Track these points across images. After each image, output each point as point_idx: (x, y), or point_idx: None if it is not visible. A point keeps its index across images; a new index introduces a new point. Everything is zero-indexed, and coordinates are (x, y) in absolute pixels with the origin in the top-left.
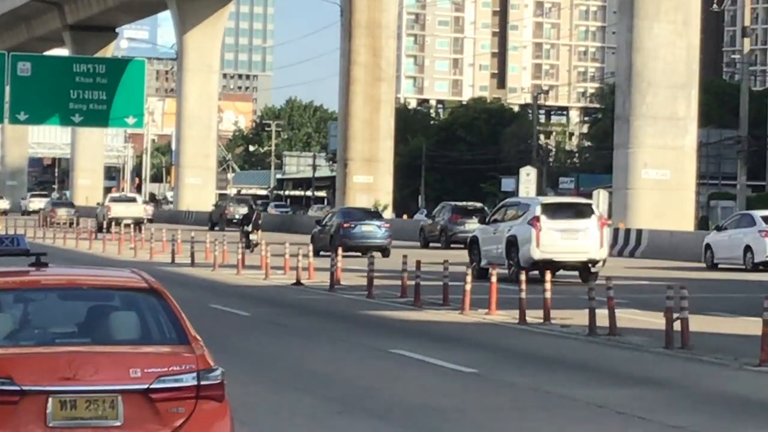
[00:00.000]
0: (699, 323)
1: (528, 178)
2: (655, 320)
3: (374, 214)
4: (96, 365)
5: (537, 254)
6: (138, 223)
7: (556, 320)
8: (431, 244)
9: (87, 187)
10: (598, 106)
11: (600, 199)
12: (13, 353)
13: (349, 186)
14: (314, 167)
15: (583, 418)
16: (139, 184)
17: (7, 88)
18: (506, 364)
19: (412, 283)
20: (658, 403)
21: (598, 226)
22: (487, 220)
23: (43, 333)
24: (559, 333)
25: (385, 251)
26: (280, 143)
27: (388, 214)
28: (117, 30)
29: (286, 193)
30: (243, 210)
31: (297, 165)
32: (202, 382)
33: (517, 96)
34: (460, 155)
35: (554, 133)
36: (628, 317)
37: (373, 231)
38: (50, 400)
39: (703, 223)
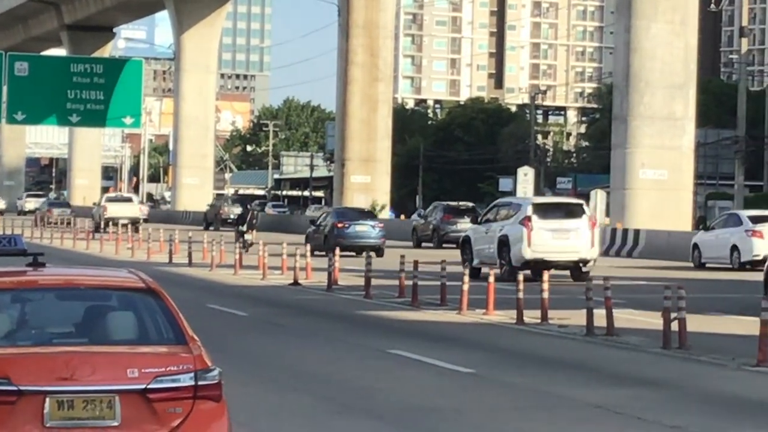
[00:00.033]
0: (696, 323)
1: (525, 178)
2: (653, 320)
3: (368, 214)
4: (93, 365)
5: (528, 254)
6: (134, 222)
7: (553, 320)
8: (423, 244)
9: (84, 187)
10: (595, 106)
11: (597, 200)
12: (10, 353)
13: (347, 186)
14: (312, 167)
15: (581, 418)
16: (137, 183)
17: (5, 88)
18: (504, 364)
19: (410, 283)
20: (655, 404)
21: (589, 226)
22: (479, 220)
23: (41, 333)
24: (557, 333)
25: (379, 251)
26: (277, 143)
27: (386, 214)
28: (114, 30)
29: (284, 193)
30: (238, 210)
31: (294, 165)
32: (200, 382)
33: (515, 96)
34: (457, 155)
35: (552, 133)
36: (626, 317)
37: (367, 231)
38: (47, 400)
39: (700, 224)
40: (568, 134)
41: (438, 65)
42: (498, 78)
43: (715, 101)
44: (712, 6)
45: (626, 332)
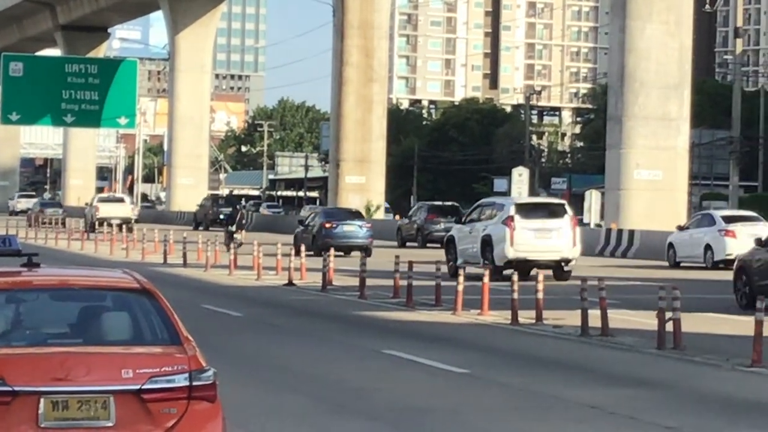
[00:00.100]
0: (691, 324)
1: (520, 178)
2: (648, 320)
3: (356, 214)
4: (88, 366)
5: (511, 253)
6: (126, 223)
7: (548, 321)
8: (408, 244)
9: (79, 188)
10: (590, 106)
11: (592, 200)
12: (5, 354)
13: (342, 186)
14: (306, 168)
15: (575, 418)
16: (131, 183)
17: None
18: (499, 364)
19: (404, 283)
20: (650, 404)
21: (571, 226)
22: (463, 219)
23: (35, 333)
24: (552, 333)
25: (366, 251)
26: (272, 144)
27: (381, 214)
28: (109, 30)
29: (279, 193)
30: (227, 210)
31: (289, 165)
32: (195, 383)
33: (510, 96)
34: (452, 156)
35: (546, 134)
36: (621, 318)
37: (355, 231)
38: (42, 400)
39: None
40: (563, 135)
41: (433, 66)
42: (493, 78)
43: (710, 102)
44: (707, 6)
45: (621, 333)
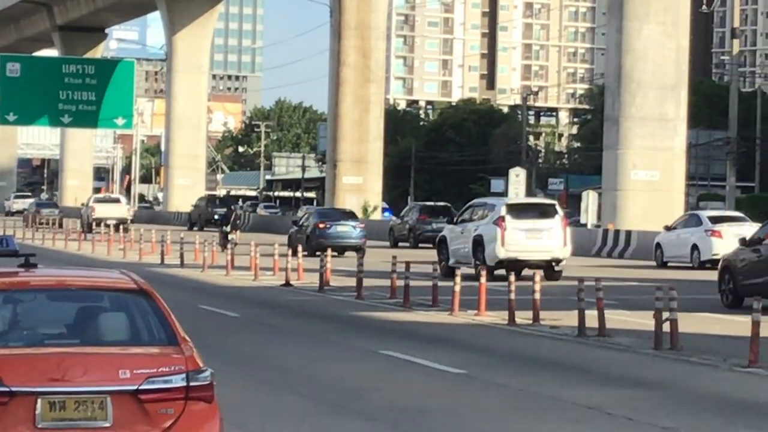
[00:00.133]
0: (687, 324)
1: (517, 179)
2: (644, 321)
3: (349, 215)
4: (85, 366)
5: (502, 253)
6: (122, 223)
7: (545, 321)
8: (400, 244)
9: (76, 188)
10: (587, 107)
11: (589, 201)
12: (2, 354)
13: (339, 187)
14: (303, 168)
15: (572, 419)
16: (129, 184)
17: None
18: (495, 365)
19: (401, 283)
20: (647, 404)
21: (561, 226)
22: (455, 220)
23: (33, 334)
24: (549, 334)
25: (359, 251)
26: (269, 144)
27: (378, 215)
28: (106, 31)
29: (276, 194)
30: (221, 210)
31: (286, 166)
32: (192, 383)
33: (507, 97)
34: (449, 156)
35: (544, 134)
36: (618, 318)
37: (349, 231)
38: (39, 401)
39: None
40: (560, 135)
41: (430, 66)
42: (490, 79)
43: (707, 102)
44: (704, 7)
45: (618, 333)
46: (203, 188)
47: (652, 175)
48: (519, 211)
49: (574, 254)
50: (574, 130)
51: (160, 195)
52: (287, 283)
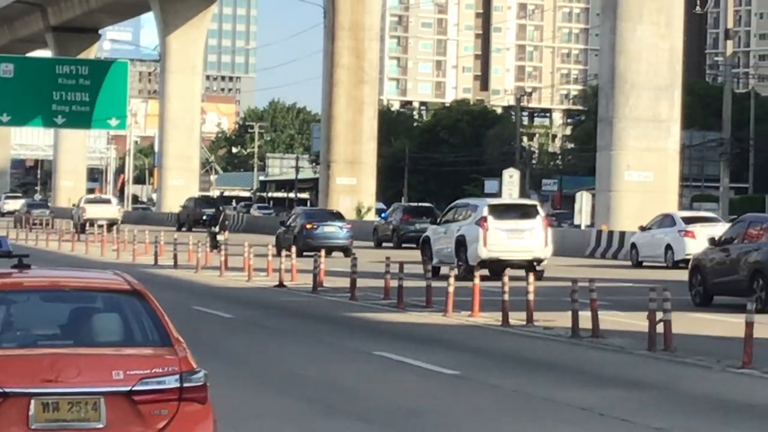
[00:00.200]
0: (682, 325)
1: (511, 180)
2: (638, 322)
3: (336, 216)
4: (78, 367)
5: (484, 253)
6: (113, 224)
7: (539, 322)
8: (384, 244)
9: (69, 189)
10: (581, 108)
11: (583, 202)
12: None
13: (332, 188)
14: (297, 169)
15: (565, 420)
16: (123, 184)
17: None
18: (489, 366)
19: (395, 284)
20: (641, 405)
21: (543, 226)
22: (438, 220)
23: (26, 335)
24: (542, 335)
25: (346, 251)
26: (263, 145)
27: (371, 216)
28: (100, 31)
29: (269, 195)
30: (209, 211)
31: (280, 167)
32: (185, 384)
33: (500, 98)
34: (443, 157)
35: (537, 135)
36: (611, 319)
37: (335, 232)
38: (32, 402)
39: None
40: (554, 136)
41: (423, 67)
42: (483, 80)
43: (701, 103)
44: (698, 8)
45: (611, 334)
46: (197, 189)
47: (645, 176)
48: (501, 211)
49: (568, 255)
50: (568, 131)
51: (154, 196)
52: (281, 284)
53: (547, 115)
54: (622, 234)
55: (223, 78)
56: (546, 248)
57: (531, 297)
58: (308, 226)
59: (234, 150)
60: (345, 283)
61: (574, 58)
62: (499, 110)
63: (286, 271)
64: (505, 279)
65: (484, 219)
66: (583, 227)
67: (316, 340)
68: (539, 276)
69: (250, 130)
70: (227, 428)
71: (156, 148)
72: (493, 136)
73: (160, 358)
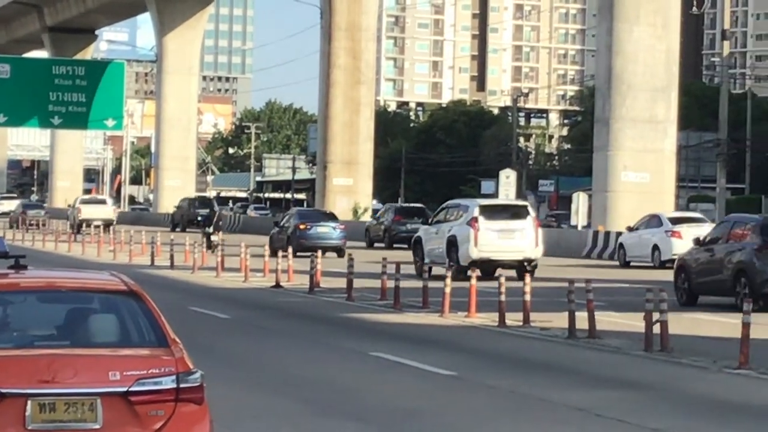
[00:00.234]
0: (678, 325)
1: (507, 180)
2: (635, 323)
3: (330, 216)
4: (75, 368)
5: (475, 253)
6: (108, 224)
7: (535, 323)
8: (375, 244)
9: (66, 190)
10: (577, 108)
11: (579, 202)
12: None
13: (329, 188)
14: (294, 170)
15: (562, 420)
16: (119, 185)
17: None
18: (486, 366)
19: (392, 285)
20: (637, 406)
21: (533, 227)
22: (429, 220)
23: (22, 335)
24: (539, 336)
25: (340, 251)
26: (259, 145)
27: (368, 216)
28: (96, 32)
29: (266, 195)
30: (204, 211)
31: (277, 167)
32: (182, 385)
33: (497, 99)
34: (439, 158)
35: (534, 136)
36: (608, 320)
37: (329, 232)
38: (29, 402)
39: None
40: (550, 137)
41: (420, 68)
42: (480, 80)
43: (697, 104)
44: (694, 9)
45: (608, 335)
46: (193, 190)
47: (642, 177)
48: (492, 212)
49: (565, 256)
50: (565, 131)
51: (151, 197)
52: (277, 285)
53: (544, 115)
54: (619, 234)
55: (219, 78)
56: (536, 248)
57: (528, 298)
58: (302, 227)
59: (231, 151)
60: (341, 283)
61: (571, 59)
62: (495, 111)
63: (283, 271)
64: (502, 280)
65: (475, 219)
66: (579, 228)
67: (312, 341)
68: (530, 276)
69: (246, 131)
70: (224, 429)
71: (153, 149)
72: (490, 137)
73: (156, 359)
